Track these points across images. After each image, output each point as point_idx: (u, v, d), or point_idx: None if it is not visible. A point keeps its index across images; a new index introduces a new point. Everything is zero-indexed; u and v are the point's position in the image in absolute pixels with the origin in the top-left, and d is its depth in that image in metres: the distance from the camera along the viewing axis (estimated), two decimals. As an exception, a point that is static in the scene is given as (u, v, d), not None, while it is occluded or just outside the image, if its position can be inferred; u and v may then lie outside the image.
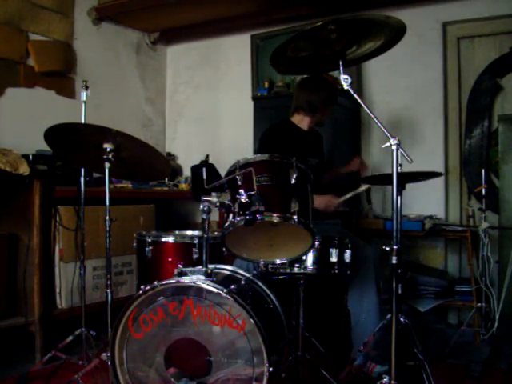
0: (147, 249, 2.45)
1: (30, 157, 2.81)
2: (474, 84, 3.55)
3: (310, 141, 2.79)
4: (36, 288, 2.72)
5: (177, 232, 2.75)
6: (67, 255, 2.92)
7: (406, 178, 2.15)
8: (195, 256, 2.38)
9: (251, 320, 1.74)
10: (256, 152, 2.79)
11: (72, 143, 2.24)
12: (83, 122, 2.46)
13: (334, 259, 2.17)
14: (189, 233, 2.74)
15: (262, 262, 2.13)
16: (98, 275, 3.06)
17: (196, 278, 1.83)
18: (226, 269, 2.22)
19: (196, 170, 3.74)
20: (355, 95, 1.83)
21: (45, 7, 3.47)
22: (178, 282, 1.82)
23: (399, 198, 1.90)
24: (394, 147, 1.71)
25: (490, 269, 2.81)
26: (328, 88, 2.77)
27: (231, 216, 1.89)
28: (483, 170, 2.85)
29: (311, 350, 2.39)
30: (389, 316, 2.00)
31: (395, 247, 1.75)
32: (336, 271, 2.18)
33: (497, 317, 2.82)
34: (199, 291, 1.80)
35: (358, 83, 3.69)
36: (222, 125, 4.36)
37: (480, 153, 3.56)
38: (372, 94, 3.77)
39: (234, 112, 4.26)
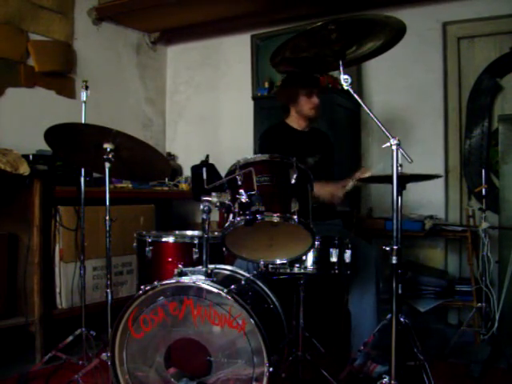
0: (147, 249, 2.45)
1: (30, 157, 2.81)
2: (474, 84, 3.55)
3: (306, 139, 2.78)
4: (36, 288, 2.72)
5: (177, 232, 2.74)
6: (67, 255, 2.92)
7: (406, 179, 2.15)
8: (195, 256, 2.38)
9: (251, 320, 1.74)
10: (256, 154, 2.79)
11: (72, 143, 2.24)
12: (83, 122, 2.46)
13: (334, 259, 2.16)
14: (189, 233, 2.73)
15: (261, 262, 2.12)
16: (98, 275, 3.06)
17: (196, 278, 1.83)
18: (226, 269, 2.22)
19: (196, 170, 3.73)
20: (355, 95, 1.83)
21: (45, 7, 3.47)
22: (178, 282, 1.82)
23: (399, 197, 1.90)
24: (394, 147, 1.71)
25: (490, 269, 2.81)
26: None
27: (231, 216, 1.88)
28: (483, 170, 2.85)
29: (311, 350, 2.39)
30: (389, 316, 2.00)
31: (395, 247, 1.75)
32: (336, 271, 2.18)
33: (497, 317, 2.82)
34: (199, 291, 1.80)
35: (358, 83, 3.69)
36: (222, 125, 4.36)
37: (480, 153, 3.56)
38: (372, 94, 3.77)
39: (234, 112, 4.26)
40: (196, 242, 2.40)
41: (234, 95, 4.26)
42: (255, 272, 2.21)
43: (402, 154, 1.71)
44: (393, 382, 1.73)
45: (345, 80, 1.80)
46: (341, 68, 1.85)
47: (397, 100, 3.66)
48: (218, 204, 1.88)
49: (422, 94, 3.62)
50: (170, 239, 2.49)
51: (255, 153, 2.77)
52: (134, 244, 2.55)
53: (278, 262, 2.08)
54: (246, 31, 4.07)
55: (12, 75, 3.30)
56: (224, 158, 3.65)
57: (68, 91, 3.64)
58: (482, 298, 2.82)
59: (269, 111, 3.52)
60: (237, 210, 1.85)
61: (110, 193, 2.20)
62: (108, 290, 2.20)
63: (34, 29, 3.41)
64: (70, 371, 2.39)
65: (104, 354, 2.05)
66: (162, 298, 1.83)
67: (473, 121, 3.58)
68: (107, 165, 2.13)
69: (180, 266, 1.94)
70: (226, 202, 1.90)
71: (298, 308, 2.29)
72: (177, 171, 4.29)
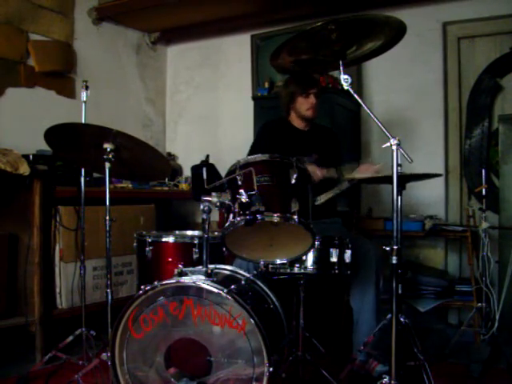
0: (147, 249, 2.45)
1: (30, 157, 2.81)
2: (474, 84, 3.56)
3: (305, 138, 2.78)
4: (36, 288, 2.72)
5: (177, 232, 2.75)
6: (67, 255, 2.92)
7: (406, 179, 2.15)
8: (195, 256, 2.38)
9: (251, 320, 1.74)
10: (250, 147, 2.79)
11: (72, 143, 2.24)
12: (83, 122, 2.46)
13: (334, 259, 2.16)
14: (189, 233, 2.74)
15: (261, 262, 2.12)
16: (98, 275, 3.06)
17: (196, 278, 1.83)
18: (226, 269, 2.22)
19: (196, 170, 3.72)
20: (355, 95, 1.83)
21: (45, 7, 3.47)
22: (178, 281, 1.83)
23: (399, 197, 1.90)
24: (394, 147, 1.71)
25: (490, 269, 2.81)
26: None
27: (231, 216, 1.89)
28: (483, 170, 2.84)
29: (311, 350, 2.39)
30: (389, 316, 1.99)
31: (395, 247, 1.75)
32: (336, 271, 2.18)
33: (497, 317, 2.82)
34: (199, 291, 1.80)
35: (358, 83, 3.69)
36: (222, 125, 4.36)
37: (480, 153, 3.56)
38: (372, 94, 3.77)
39: (234, 112, 4.26)
40: (196, 241, 2.40)
41: (234, 95, 4.26)
42: (255, 272, 2.21)
43: (402, 153, 1.71)
44: (393, 381, 1.73)
45: (345, 80, 1.81)
46: (341, 68, 1.86)
47: (397, 100, 3.66)
48: (218, 204, 1.89)
49: (422, 94, 3.61)
50: (170, 239, 2.49)
51: (250, 148, 2.77)
52: (134, 244, 2.55)
53: (278, 261, 2.09)
54: (246, 31, 4.07)
55: (12, 75, 3.30)
56: (224, 157, 3.63)
57: (68, 91, 3.64)
58: (482, 298, 2.82)
59: (269, 111, 3.52)
60: (237, 209, 1.85)
61: (110, 193, 2.20)
62: (108, 290, 2.20)
63: (34, 29, 3.41)
64: (70, 371, 2.38)
65: (104, 354, 2.05)
66: (162, 297, 1.83)
67: (473, 121, 3.58)
68: (107, 165, 2.13)
69: (180, 265, 1.94)
70: (226, 202, 1.90)
71: (298, 308, 2.28)
72: (177, 171, 4.29)
